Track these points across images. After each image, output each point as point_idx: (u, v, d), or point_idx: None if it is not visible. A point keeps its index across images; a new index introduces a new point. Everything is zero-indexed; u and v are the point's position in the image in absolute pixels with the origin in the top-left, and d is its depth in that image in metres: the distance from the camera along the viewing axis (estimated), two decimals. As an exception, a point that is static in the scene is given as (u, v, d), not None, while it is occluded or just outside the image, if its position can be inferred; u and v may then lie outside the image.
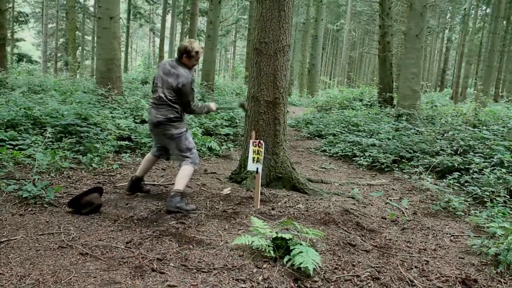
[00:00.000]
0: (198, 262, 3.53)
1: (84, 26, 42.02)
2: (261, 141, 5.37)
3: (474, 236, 4.64)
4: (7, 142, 6.51)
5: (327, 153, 10.06)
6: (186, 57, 5.07)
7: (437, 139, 8.77)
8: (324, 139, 11.57)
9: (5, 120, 7.28)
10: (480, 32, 42.09)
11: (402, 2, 20.77)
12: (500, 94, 36.77)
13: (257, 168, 5.30)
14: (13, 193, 4.89)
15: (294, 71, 38.58)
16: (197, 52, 5.09)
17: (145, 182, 6.06)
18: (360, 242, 4.28)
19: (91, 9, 40.91)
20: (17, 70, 22.43)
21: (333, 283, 3.30)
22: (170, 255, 3.62)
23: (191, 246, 3.85)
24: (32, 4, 47.07)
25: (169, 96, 5.00)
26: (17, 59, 36.28)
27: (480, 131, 8.74)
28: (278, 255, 3.62)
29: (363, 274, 3.50)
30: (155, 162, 5.63)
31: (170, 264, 3.46)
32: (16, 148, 6.44)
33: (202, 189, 5.94)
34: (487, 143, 8.01)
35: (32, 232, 3.95)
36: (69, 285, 3.00)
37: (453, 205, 5.64)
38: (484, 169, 6.70)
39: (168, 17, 39.77)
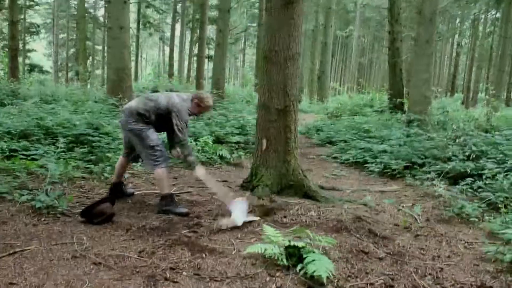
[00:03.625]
0: (211, 271, 3.52)
1: (94, 36, 42.43)
2: None
3: (488, 242, 4.58)
4: (20, 152, 6.55)
5: (338, 160, 10.03)
6: (196, 103, 5.34)
7: (449, 144, 8.70)
8: (335, 146, 11.53)
9: (18, 130, 7.34)
10: (490, 36, 41.89)
11: (411, 8, 20.74)
12: (512, 98, 36.50)
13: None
14: (27, 203, 4.91)
15: (304, 78, 38.61)
16: (207, 106, 5.45)
17: (158, 191, 6.07)
18: (373, 249, 4.25)
19: (101, 19, 41.23)
20: (29, 80, 22.58)
21: (346, 291, 3.28)
22: (183, 264, 3.62)
23: (203, 255, 3.85)
24: (43, 14, 47.54)
25: (159, 105, 5.13)
26: (28, 69, 36.59)
27: (492, 136, 8.66)
28: (291, 263, 3.60)
29: (377, 281, 3.47)
30: (127, 166, 5.76)
31: (183, 273, 3.46)
32: (29, 158, 6.47)
33: (214, 198, 5.94)
34: (500, 148, 7.94)
35: (46, 242, 3.97)
36: (82, 295, 3.01)
37: (467, 211, 5.58)
38: (497, 175, 6.64)
39: (178, 26, 40.06)
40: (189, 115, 5.32)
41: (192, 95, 5.42)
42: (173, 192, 6.11)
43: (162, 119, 5.16)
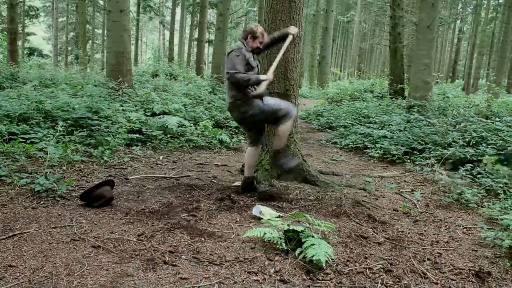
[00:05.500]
0: (210, 254, 3.53)
1: (94, 19, 42.16)
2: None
3: (487, 228, 4.59)
4: (19, 136, 6.55)
5: (338, 145, 10.03)
6: (251, 37, 5.13)
7: (449, 130, 8.70)
8: (335, 131, 11.54)
9: (17, 113, 7.33)
10: (492, 22, 41.63)
11: (413, -8, 20.60)
12: (513, 85, 36.33)
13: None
14: (26, 187, 4.92)
15: (304, 63, 38.46)
16: (261, 33, 5.15)
17: (157, 175, 6.08)
18: (372, 234, 4.26)
19: (101, 2, 40.94)
20: (28, 64, 22.53)
21: (345, 276, 3.29)
22: (182, 248, 3.62)
23: (202, 239, 3.85)
24: (42, -2, 47.23)
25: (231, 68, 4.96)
26: (28, 53, 36.47)
27: (493, 123, 8.65)
28: (290, 247, 3.61)
29: (376, 266, 3.48)
30: (257, 153, 5.55)
31: (182, 256, 3.46)
32: (28, 141, 6.48)
33: (213, 182, 5.94)
34: (500, 135, 7.93)
35: (45, 225, 3.97)
36: (82, 278, 3.01)
37: (466, 197, 5.59)
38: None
39: (178, 10, 39.83)
40: (252, 52, 5.16)
41: (241, 36, 5.26)
42: (173, 176, 6.12)
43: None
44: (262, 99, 5.04)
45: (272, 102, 5.10)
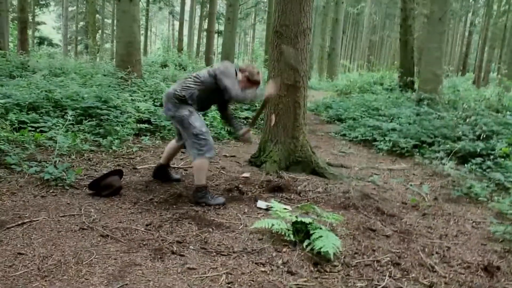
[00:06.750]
0: (218, 245, 3.53)
1: (104, 9, 42.12)
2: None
3: (496, 222, 4.57)
4: (28, 125, 6.57)
5: (346, 138, 9.99)
6: (245, 77, 4.75)
7: (459, 124, 8.63)
8: (343, 123, 11.48)
9: (27, 102, 7.34)
10: (504, 15, 41.18)
11: (425, -16, 20.41)
12: (524, 78, 35.99)
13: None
14: (35, 175, 4.93)
15: (314, 55, 38.31)
16: (255, 81, 4.77)
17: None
18: (380, 227, 4.25)
19: (111, -8, 40.95)
20: (38, 53, 22.55)
21: (353, 268, 3.28)
22: (190, 238, 3.63)
23: (210, 229, 3.86)
24: (52, -13, 47.31)
25: (202, 77, 4.68)
26: (38, 42, 36.54)
27: (503, 116, 8.58)
28: (298, 239, 3.60)
29: (384, 259, 3.47)
30: (178, 151, 5.34)
31: (190, 246, 3.47)
32: (38, 130, 6.49)
33: (222, 172, 5.94)
34: (510, 129, 7.87)
35: (54, 214, 3.98)
36: (90, 266, 3.02)
37: (475, 191, 5.56)
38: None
39: (188, 0, 39.69)
40: None
41: (241, 66, 4.84)
42: (181, 167, 6.13)
43: (208, 91, 4.69)
44: (190, 115, 4.61)
45: (198, 124, 4.60)
